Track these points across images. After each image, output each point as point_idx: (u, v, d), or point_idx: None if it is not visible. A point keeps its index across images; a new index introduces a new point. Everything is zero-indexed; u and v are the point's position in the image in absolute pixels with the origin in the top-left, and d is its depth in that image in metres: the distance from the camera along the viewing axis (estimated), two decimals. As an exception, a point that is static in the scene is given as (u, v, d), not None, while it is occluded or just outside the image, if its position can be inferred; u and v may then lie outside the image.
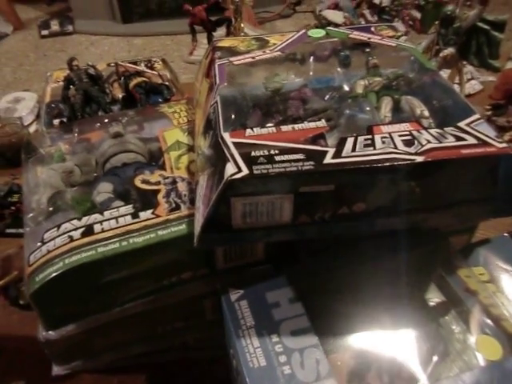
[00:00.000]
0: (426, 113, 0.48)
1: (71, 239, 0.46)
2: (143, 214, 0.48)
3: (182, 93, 1.03)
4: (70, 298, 0.45)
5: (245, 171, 0.39)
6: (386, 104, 0.50)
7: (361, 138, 0.42)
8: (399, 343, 0.47)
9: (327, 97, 0.53)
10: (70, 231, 0.47)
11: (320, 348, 0.45)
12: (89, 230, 0.46)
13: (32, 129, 1.06)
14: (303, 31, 0.60)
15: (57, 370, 0.53)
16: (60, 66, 1.11)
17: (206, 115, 0.49)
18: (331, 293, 0.50)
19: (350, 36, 0.59)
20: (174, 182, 0.52)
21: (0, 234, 0.84)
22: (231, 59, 0.55)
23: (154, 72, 1.08)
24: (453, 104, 0.48)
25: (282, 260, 0.52)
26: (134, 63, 1.11)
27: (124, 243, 0.45)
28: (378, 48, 0.57)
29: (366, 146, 0.42)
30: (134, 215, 0.48)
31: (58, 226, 0.48)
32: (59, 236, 0.46)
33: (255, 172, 0.39)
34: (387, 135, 0.42)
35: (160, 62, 1.12)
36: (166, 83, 1.02)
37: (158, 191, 0.51)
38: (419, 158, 0.40)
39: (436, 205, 0.45)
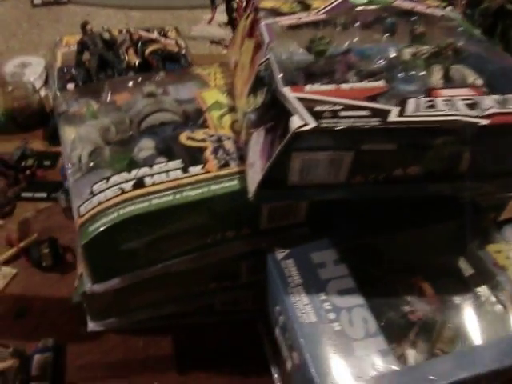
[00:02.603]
0: (479, 81, 0.48)
1: (122, 191, 0.45)
2: (193, 169, 0.48)
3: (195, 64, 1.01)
4: (121, 250, 0.45)
5: (312, 124, 0.39)
6: (438, 72, 0.50)
7: (422, 100, 0.42)
8: (438, 308, 0.47)
9: (374, 63, 0.53)
10: (121, 183, 0.46)
11: (366, 307, 0.46)
12: (140, 183, 0.46)
13: (42, 94, 1.04)
14: (345, -4, 0.60)
15: (92, 326, 0.53)
16: (55, 36, 1.07)
17: (255, 73, 0.48)
18: (371, 258, 0.51)
19: (394, 4, 0.59)
20: (220, 139, 0.51)
21: (16, 198, 0.83)
22: (277, 19, 0.55)
23: (169, 40, 1.06)
24: (507, 72, 0.48)
25: (321, 223, 0.53)
26: (147, 31, 1.08)
27: (178, 196, 0.45)
28: (424, 17, 0.57)
29: (428, 107, 0.42)
30: (184, 170, 0.47)
31: (107, 179, 0.47)
32: (109, 188, 0.46)
33: (322, 125, 0.39)
34: (449, 98, 0.43)
35: (173, 31, 1.10)
36: (183, 52, 1.00)
37: (204, 148, 0.50)
38: (484, 121, 0.40)
39: (491, 173, 0.45)
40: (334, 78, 0.51)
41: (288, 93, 0.43)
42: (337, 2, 0.59)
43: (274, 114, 0.43)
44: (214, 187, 0.46)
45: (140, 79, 0.63)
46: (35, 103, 0.94)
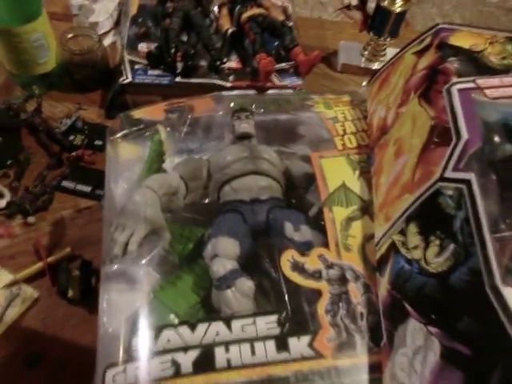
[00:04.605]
0: None
1: (177, 372, 0.27)
2: (294, 344, 0.29)
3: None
4: None
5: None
6: None
7: None
8: None
9: None
10: (176, 351, 0.28)
11: None
12: (207, 360, 0.28)
13: (108, 41, 0.84)
14: None
15: None
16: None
17: (429, 199, 0.27)
18: None
19: None
20: (343, 278, 0.32)
21: (55, 187, 0.67)
22: (479, 82, 0.32)
23: (275, 1, 0.82)
24: None
25: None
26: (253, -19, 0.84)
27: (262, 408, 0.26)
28: None
29: None
30: (281, 342, 0.29)
31: (157, 331, 0.29)
32: (157, 355, 0.28)
33: None
34: None
35: (284, -14, 0.85)
36: (290, 23, 0.76)
37: (319, 294, 0.31)
38: None
39: None
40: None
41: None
42: None
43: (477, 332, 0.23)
44: (324, 398, 0.27)
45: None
46: (98, 58, 0.75)
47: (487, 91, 0.31)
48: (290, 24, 0.76)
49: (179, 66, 0.70)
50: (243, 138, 0.41)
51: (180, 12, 0.73)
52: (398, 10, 0.75)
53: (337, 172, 0.37)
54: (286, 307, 0.31)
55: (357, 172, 0.37)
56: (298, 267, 0.32)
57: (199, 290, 0.33)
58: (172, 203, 0.37)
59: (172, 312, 0.30)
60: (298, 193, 0.39)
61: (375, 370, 0.27)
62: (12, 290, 0.59)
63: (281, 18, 0.77)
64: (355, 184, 0.37)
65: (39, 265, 0.60)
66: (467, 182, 0.26)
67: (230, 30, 0.73)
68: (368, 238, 0.33)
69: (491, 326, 0.22)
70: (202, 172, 0.40)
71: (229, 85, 0.69)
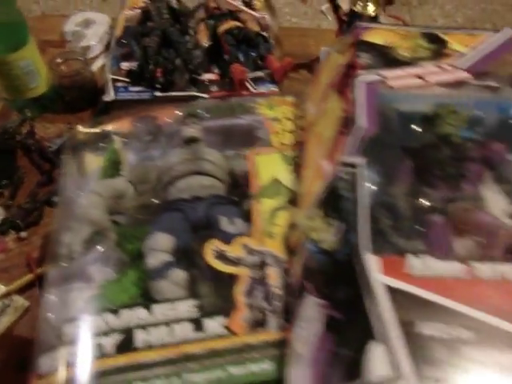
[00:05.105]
0: None
1: (102, 354, 0.30)
2: (210, 325, 0.31)
3: (279, 45, 0.81)
4: None
5: (408, 381, 0.20)
6: None
7: None
8: None
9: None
10: (102, 335, 0.31)
11: None
12: (127, 342, 0.30)
13: (98, 63, 0.89)
14: (510, 33, 0.36)
15: None
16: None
17: (330, 185, 0.29)
18: None
19: None
20: (263, 264, 0.34)
21: (44, 203, 0.71)
22: (385, 74, 0.34)
23: (252, 12, 0.85)
24: None
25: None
26: (232, -5, 0.87)
27: (175, 381, 0.29)
28: None
29: None
30: (198, 324, 0.31)
31: (89, 320, 0.32)
32: (86, 340, 0.31)
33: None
34: None
35: (261, -1, 0.88)
36: (264, 33, 0.79)
37: (236, 279, 0.33)
38: None
39: None
40: (455, 189, 0.31)
41: (376, 273, 0.24)
42: (495, 43, 0.37)
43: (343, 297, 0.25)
44: (232, 369, 0.29)
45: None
46: (86, 80, 0.80)
47: (391, 82, 0.33)
48: (265, 34, 0.79)
49: (160, 81, 0.74)
50: (191, 141, 0.44)
51: (158, 30, 0.78)
52: (372, 13, 0.76)
53: (270, 167, 0.40)
54: (206, 292, 0.33)
55: (289, 167, 0.40)
56: (220, 255, 0.34)
57: (141, 283, 0.36)
58: (119, 205, 0.40)
59: (110, 304, 0.33)
60: (241, 190, 0.41)
61: (284, 344, 0.29)
62: (4, 301, 0.63)
63: (256, 29, 0.80)
64: (286, 178, 0.39)
65: (30, 276, 0.64)
66: (359, 166, 0.28)
67: (206, 44, 0.76)
68: (292, 225, 0.35)
69: (355, 291, 0.24)
70: (151, 175, 0.43)
71: (207, 96, 0.72)
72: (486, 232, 0.29)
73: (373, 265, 0.24)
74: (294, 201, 0.37)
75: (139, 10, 0.84)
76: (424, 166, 0.33)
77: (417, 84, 0.33)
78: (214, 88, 0.74)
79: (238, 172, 0.43)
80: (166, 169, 0.42)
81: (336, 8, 0.82)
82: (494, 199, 0.31)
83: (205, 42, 0.77)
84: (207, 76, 0.76)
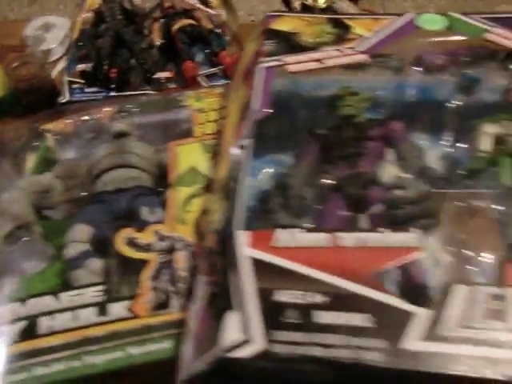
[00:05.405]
0: None
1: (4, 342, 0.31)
2: (114, 309, 0.32)
3: (238, 41, 0.82)
4: None
5: (257, 343, 0.21)
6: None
7: (481, 293, 0.23)
8: None
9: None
10: (7, 323, 0.32)
11: None
12: (30, 329, 0.31)
13: (60, 66, 0.90)
14: (410, 17, 0.37)
15: None
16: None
17: (228, 169, 0.30)
18: None
19: (489, 36, 0.36)
20: (173, 249, 0.35)
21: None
22: (286, 60, 0.35)
23: (207, 9, 0.86)
24: None
25: None
26: (185, -7, 0.88)
27: (75, 363, 0.30)
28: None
29: (491, 315, 0.22)
30: (102, 308, 0.32)
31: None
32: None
33: (275, 350, 0.21)
34: None
35: (218, -5, 0.89)
36: (218, 30, 0.80)
37: (146, 264, 0.34)
38: None
39: None
40: (355, 167, 0.32)
41: (243, 246, 0.25)
42: (395, 26, 0.38)
43: (221, 274, 0.26)
44: (132, 350, 0.30)
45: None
46: (43, 83, 0.81)
47: (290, 67, 0.34)
48: (218, 31, 0.80)
49: (114, 81, 0.75)
50: (120, 136, 0.45)
51: (111, 31, 0.78)
52: (323, 5, 0.77)
53: (189, 157, 0.41)
54: (116, 278, 0.34)
55: (208, 155, 0.41)
56: (131, 242, 0.35)
57: (63, 274, 0.37)
58: (47, 200, 0.41)
59: (25, 295, 0.34)
60: (166, 181, 0.42)
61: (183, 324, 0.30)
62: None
63: (211, 26, 0.81)
64: (204, 166, 0.40)
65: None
66: (245, 147, 0.29)
67: (157, 43, 0.77)
68: (203, 211, 0.36)
69: (226, 266, 0.24)
70: (81, 170, 0.44)
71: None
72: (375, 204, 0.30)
73: (241, 240, 0.25)
74: (209, 188, 0.38)
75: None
76: (328, 148, 0.34)
77: (316, 67, 0.34)
78: (172, 86, 0.75)
79: (166, 164, 0.43)
80: (94, 163, 0.43)
81: (288, 2, 0.83)
82: (389, 175, 0.32)
83: (159, 40, 0.78)
84: (163, 74, 0.77)
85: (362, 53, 0.35)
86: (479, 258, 0.26)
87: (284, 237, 0.25)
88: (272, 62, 0.35)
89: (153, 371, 0.30)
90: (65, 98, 0.75)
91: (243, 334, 0.21)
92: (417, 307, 0.22)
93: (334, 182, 0.32)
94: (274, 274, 0.23)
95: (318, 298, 0.22)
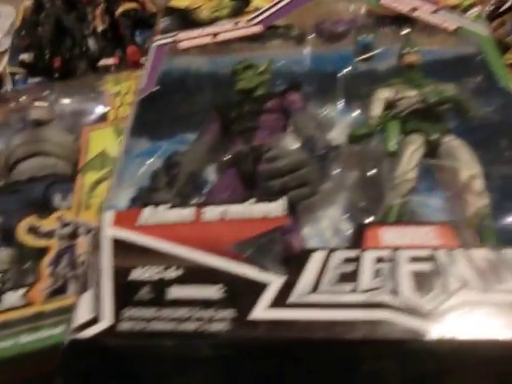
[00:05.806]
0: (479, 183, 0.27)
1: None
2: (9, 297, 0.32)
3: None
4: None
5: (105, 322, 0.21)
6: (413, 152, 0.29)
7: (336, 258, 0.23)
8: None
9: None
10: None
11: None
12: None
13: (6, 59, 0.88)
14: (309, -13, 0.37)
15: None
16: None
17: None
18: None
19: (384, 1, 0.36)
20: (74, 234, 0.35)
21: None
22: (179, 37, 0.34)
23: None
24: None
25: None
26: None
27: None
28: (426, 30, 0.34)
29: (343, 278, 0.22)
30: None
31: None
32: None
33: (122, 328, 0.21)
34: (388, 255, 0.22)
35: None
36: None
37: (46, 251, 0.34)
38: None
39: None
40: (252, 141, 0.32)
41: (107, 225, 0.24)
42: (293, -3, 0.37)
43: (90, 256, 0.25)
44: (23, 339, 0.30)
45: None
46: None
47: (181, 44, 0.34)
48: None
49: (57, 70, 0.73)
50: (39, 124, 0.45)
51: (51, 18, 0.77)
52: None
53: (101, 141, 0.40)
54: (14, 266, 0.34)
55: (120, 138, 0.40)
56: (32, 230, 0.35)
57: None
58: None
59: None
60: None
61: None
62: None
63: (154, 9, 0.80)
64: (115, 150, 0.39)
65: None
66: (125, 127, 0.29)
67: (99, 29, 0.76)
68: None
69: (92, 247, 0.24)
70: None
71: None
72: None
73: (106, 220, 0.24)
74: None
75: (38, 0, 0.83)
76: (227, 123, 0.34)
77: (209, 42, 0.33)
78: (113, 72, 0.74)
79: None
80: (10, 152, 0.43)
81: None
82: (279, 147, 0.32)
83: (102, 26, 0.77)
84: (108, 61, 0.75)
85: (258, 24, 0.35)
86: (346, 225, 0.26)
87: (147, 215, 0.24)
88: (164, 40, 0.34)
89: (47, 358, 0.30)
90: (7, 88, 0.74)
91: (94, 313, 0.21)
92: (273, 277, 0.22)
93: (230, 158, 0.32)
94: (133, 252, 0.23)
95: (173, 273, 0.22)
